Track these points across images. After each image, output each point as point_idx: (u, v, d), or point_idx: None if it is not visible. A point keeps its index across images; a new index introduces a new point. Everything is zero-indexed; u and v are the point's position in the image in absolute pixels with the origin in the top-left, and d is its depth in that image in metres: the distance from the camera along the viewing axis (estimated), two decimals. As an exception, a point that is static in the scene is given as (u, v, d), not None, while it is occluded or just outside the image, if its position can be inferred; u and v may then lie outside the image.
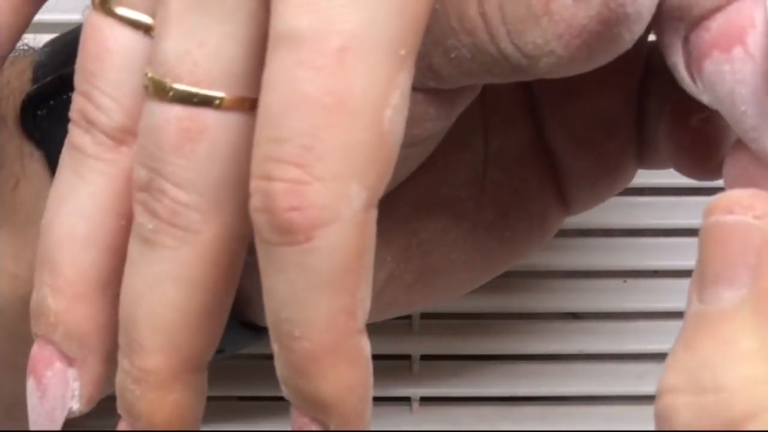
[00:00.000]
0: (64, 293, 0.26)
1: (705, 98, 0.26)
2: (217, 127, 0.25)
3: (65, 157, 0.27)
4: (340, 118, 0.22)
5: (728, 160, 0.27)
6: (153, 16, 0.26)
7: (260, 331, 0.34)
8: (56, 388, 0.27)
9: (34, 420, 0.27)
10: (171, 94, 0.24)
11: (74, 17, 0.39)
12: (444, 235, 0.33)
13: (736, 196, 0.23)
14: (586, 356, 0.46)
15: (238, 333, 0.34)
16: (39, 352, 0.27)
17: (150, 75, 0.25)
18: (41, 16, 0.30)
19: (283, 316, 0.23)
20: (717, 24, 0.25)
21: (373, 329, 0.35)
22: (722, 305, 0.22)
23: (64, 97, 0.31)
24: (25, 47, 0.36)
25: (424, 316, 0.45)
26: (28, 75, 0.34)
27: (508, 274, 0.36)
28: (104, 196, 0.26)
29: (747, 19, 0.24)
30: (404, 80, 0.23)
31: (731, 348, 0.22)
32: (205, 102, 0.24)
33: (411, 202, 0.32)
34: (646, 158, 0.33)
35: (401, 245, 0.32)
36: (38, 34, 0.36)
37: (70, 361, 0.27)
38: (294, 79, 0.22)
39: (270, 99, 0.23)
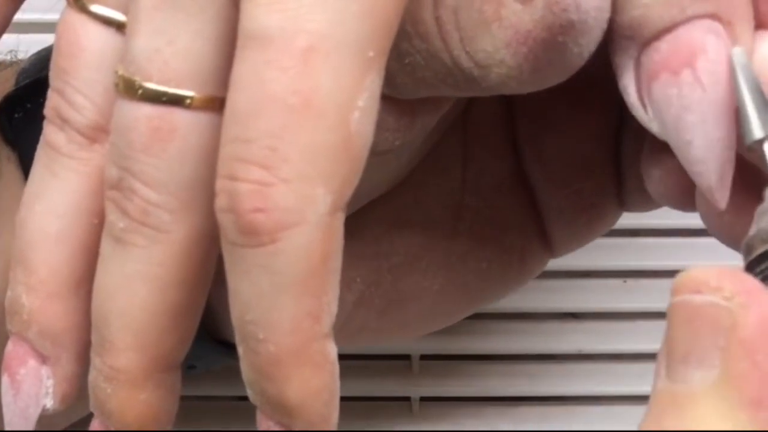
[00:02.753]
0: (38, 291, 0.26)
1: (654, 127, 0.25)
2: (187, 126, 0.24)
3: (40, 154, 0.27)
4: (306, 118, 0.22)
5: (697, 191, 0.26)
6: (126, 13, 0.26)
7: (231, 347, 0.33)
8: (30, 385, 0.27)
9: (9, 418, 0.27)
10: (140, 92, 0.24)
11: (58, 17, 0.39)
12: (416, 260, 0.32)
13: (703, 275, 0.22)
14: (586, 356, 0.46)
15: (211, 349, 0.34)
16: (13, 349, 0.27)
17: (120, 73, 0.25)
18: (24, 16, 0.30)
19: (247, 318, 0.23)
20: (667, 45, 0.24)
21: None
22: (692, 386, 0.22)
23: (41, 100, 0.31)
24: (14, 58, 0.36)
25: (424, 315, 0.45)
26: (11, 82, 0.34)
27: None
28: (77, 194, 0.26)
29: (698, 43, 0.24)
30: (373, 83, 0.23)
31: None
32: (175, 101, 0.24)
33: (383, 223, 0.32)
34: (626, 201, 0.32)
35: (371, 267, 0.32)
36: (22, 34, 0.36)
37: (43, 359, 0.27)
38: (261, 79, 0.22)
39: (237, 98, 0.23)
